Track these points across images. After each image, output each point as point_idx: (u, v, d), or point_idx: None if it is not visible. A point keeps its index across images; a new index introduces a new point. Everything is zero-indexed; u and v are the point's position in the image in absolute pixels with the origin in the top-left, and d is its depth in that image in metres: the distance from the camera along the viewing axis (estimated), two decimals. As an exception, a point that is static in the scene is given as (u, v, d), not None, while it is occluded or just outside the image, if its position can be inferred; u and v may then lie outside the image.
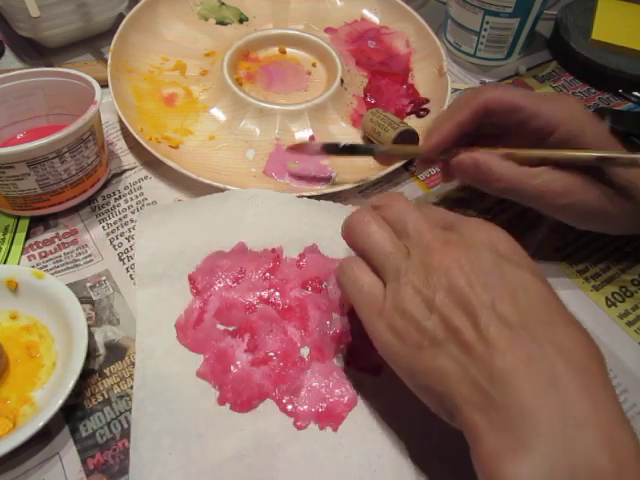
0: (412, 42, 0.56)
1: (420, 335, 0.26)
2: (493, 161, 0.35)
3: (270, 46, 0.55)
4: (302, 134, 0.47)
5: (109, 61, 0.49)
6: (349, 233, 0.31)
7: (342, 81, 0.50)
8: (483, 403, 0.24)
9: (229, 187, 0.41)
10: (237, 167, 0.45)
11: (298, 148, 0.43)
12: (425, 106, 0.50)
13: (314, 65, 0.54)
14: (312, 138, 0.47)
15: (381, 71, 0.54)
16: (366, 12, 0.59)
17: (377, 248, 0.29)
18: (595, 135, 0.35)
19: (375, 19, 0.59)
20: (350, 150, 0.42)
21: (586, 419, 0.22)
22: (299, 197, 0.42)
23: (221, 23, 0.58)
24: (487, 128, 0.37)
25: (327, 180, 0.44)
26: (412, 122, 0.48)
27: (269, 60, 0.54)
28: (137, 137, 0.44)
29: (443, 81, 0.50)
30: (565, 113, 0.35)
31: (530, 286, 0.26)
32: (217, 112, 0.49)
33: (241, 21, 0.58)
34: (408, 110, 0.50)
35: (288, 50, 0.55)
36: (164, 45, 0.54)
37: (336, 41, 0.57)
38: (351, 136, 0.48)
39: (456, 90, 0.53)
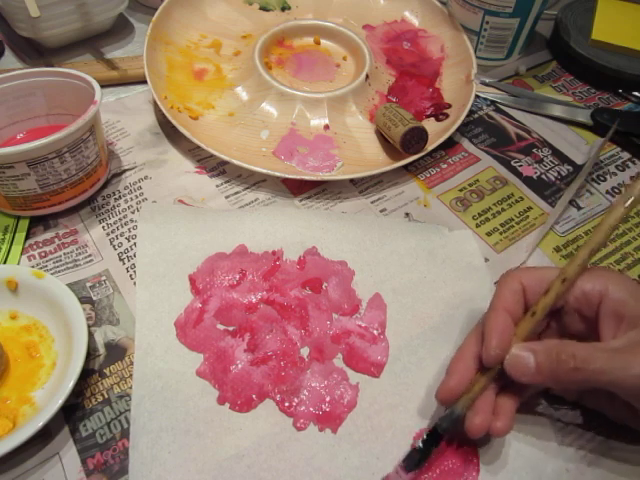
0: (447, 48, 0.56)
1: None
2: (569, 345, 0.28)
3: (305, 35, 0.56)
4: (317, 122, 0.48)
5: (148, 31, 0.51)
6: None
7: (367, 76, 0.51)
8: None
9: (235, 162, 0.43)
10: (249, 145, 0.47)
11: None
12: (446, 111, 0.50)
13: (345, 59, 0.55)
14: (326, 127, 0.48)
15: (410, 72, 0.54)
16: (407, 14, 0.59)
17: None
18: None
19: (415, 21, 0.59)
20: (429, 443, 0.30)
21: None
22: (301, 202, 0.42)
23: (264, 9, 0.59)
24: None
25: (331, 168, 0.45)
26: (430, 125, 0.48)
27: (302, 49, 0.55)
28: (159, 103, 0.46)
29: (468, 88, 0.50)
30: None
31: None
32: (241, 91, 0.51)
33: (283, 9, 0.59)
34: (428, 113, 0.50)
35: (322, 42, 0.56)
36: (205, 23, 0.56)
37: (372, 38, 0.57)
38: (366, 130, 0.49)
39: (479, 97, 0.53)
